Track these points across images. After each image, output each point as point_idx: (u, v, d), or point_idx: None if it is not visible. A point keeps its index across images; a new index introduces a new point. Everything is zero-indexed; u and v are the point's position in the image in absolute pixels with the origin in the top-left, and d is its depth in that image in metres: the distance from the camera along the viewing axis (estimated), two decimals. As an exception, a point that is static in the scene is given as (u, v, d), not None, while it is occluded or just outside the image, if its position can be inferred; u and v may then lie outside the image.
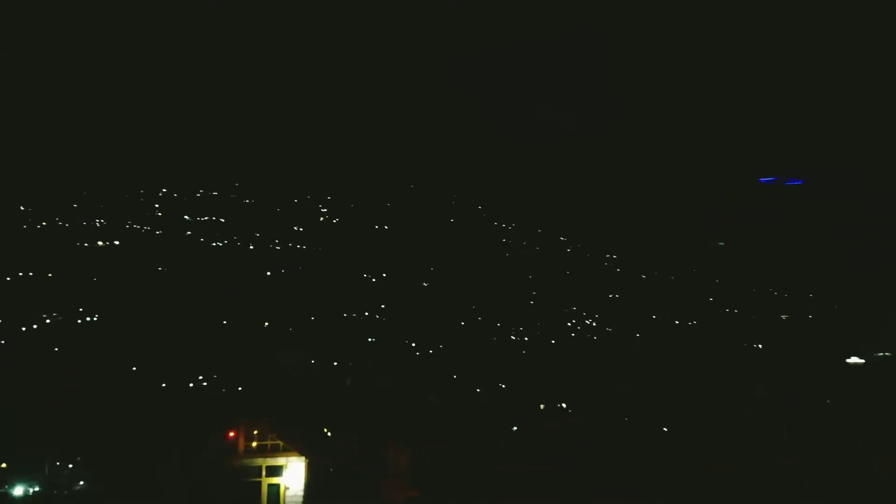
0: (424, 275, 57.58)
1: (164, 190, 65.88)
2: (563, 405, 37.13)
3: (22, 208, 55.05)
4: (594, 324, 52.82)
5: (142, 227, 57.80)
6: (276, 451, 24.42)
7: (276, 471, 24.37)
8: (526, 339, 49.26)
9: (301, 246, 60.13)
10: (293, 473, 24.14)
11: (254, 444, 24.82)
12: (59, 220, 54.93)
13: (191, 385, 38.11)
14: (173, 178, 64.78)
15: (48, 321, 40.27)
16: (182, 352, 41.10)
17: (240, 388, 37.11)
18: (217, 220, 61.98)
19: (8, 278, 43.37)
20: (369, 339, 46.68)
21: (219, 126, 72.51)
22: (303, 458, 24.16)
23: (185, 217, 61.20)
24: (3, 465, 28.01)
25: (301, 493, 23.63)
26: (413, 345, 46.55)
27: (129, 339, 41.30)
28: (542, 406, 36.72)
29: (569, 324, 52.34)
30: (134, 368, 37.91)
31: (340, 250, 59.71)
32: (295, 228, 62.73)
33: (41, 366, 34.95)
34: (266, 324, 46.55)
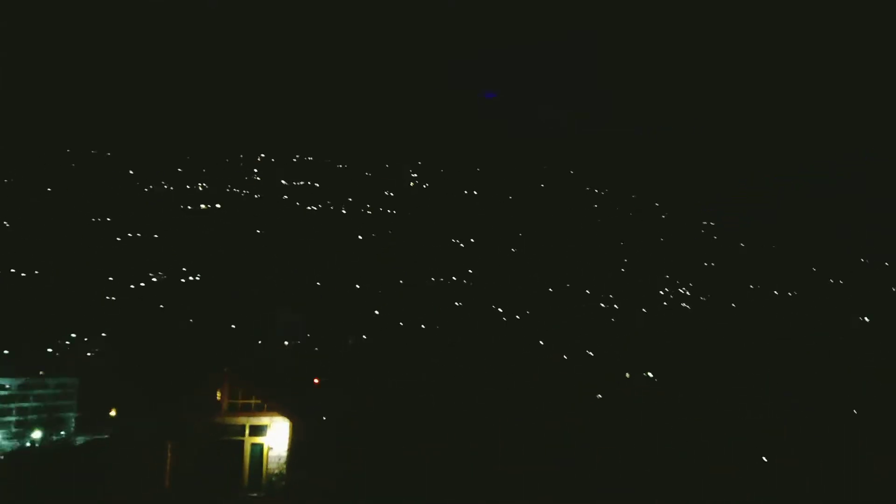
0: (513, 241, 57.48)
1: (262, 155, 67.82)
2: (650, 374, 36.57)
3: (131, 172, 57.81)
4: (687, 293, 51.50)
5: (241, 191, 59.87)
6: (260, 411, 22.73)
7: (260, 430, 22.65)
8: (615, 306, 48.57)
9: (391, 210, 61.03)
10: (277, 434, 22.46)
11: (238, 401, 23.08)
12: (164, 184, 57.47)
13: (286, 343, 39.70)
14: (271, 143, 66.64)
15: (154, 280, 42.49)
16: (273, 314, 42.78)
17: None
18: (312, 184, 63.53)
19: (118, 239, 45.87)
20: (456, 304, 47.19)
21: (314, 96, 73.92)
22: (287, 419, 22.46)
23: (282, 181, 63.00)
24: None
25: (284, 454, 22.05)
26: (500, 310, 46.75)
27: (228, 297, 43.28)
28: (627, 375, 36.29)
29: (661, 292, 51.23)
30: (233, 326, 39.73)
31: (430, 215, 60.29)
32: (386, 193, 63.65)
33: (147, 321, 37.20)
34: (357, 286, 47.70)
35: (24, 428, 31.92)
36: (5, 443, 29.57)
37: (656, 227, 62.28)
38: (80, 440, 26.95)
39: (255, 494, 20.81)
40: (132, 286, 40.95)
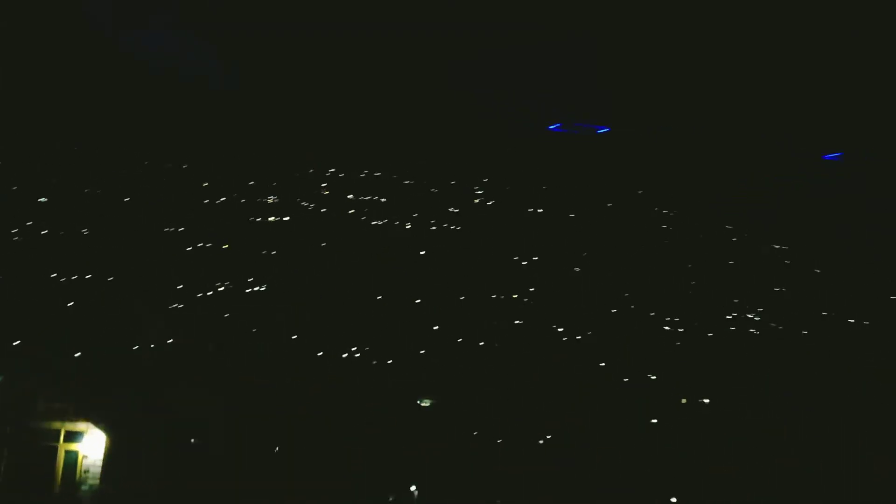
0: (577, 260, 56.87)
1: (332, 169, 69.04)
2: (706, 401, 35.62)
3: (205, 185, 59.66)
4: (757, 318, 49.93)
5: (309, 205, 61.12)
6: (77, 416, 22.09)
7: (75, 437, 22.09)
8: (680, 330, 47.45)
9: (455, 227, 61.24)
10: (93, 441, 21.92)
11: (55, 405, 22.39)
12: (236, 195, 59.10)
13: (344, 356, 40.26)
14: (339, 158, 67.89)
15: (221, 289, 43.72)
16: (338, 326, 43.44)
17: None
18: (378, 199, 64.36)
19: (188, 248, 47.35)
20: (516, 322, 46.91)
21: (384, 114, 74.83)
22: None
23: (349, 196, 64.01)
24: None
25: (99, 462, 21.64)
26: (560, 329, 46.25)
27: (292, 309, 44.21)
28: (683, 401, 35.40)
29: (728, 317, 49.81)
30: (294, 337, 40.54)
31: (493, 232, 60.24)
32: (450, 210, 63.91)
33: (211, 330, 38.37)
34: (418, 301, 47.99)
35: None
36: None
37: (727, 250, 60.76)
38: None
39: (63, 505, 18.86)
40: (199, 295, 42.27)
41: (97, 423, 21.37)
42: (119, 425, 22.20)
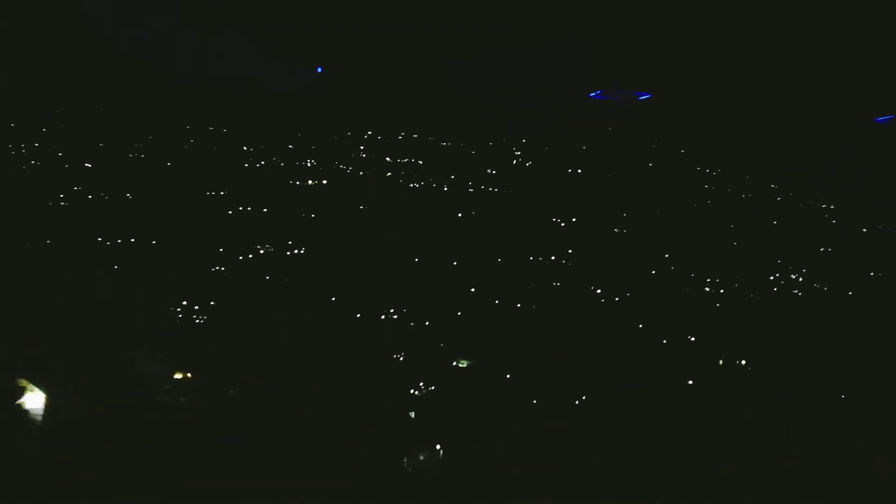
0: (617, 221, 56.25)
1: (369, 132, 69.05)
2: (744, 362, 35.20)
3: (245, 148, 60.23)
4: (800, 279, 48.99)
5: (347, 167, 61.33)
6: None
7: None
8: (721, 291, 46.84)
9: (493, 189, 60.94)
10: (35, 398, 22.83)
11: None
12: (275, 159, 59.57)
13: (382, 317, 40.71)
14: (377, 121, 67.76)
15: (262, 252, 44.40)
16: (376, 287, 43.87)
17: None
18: (416, 161, 64.24)
19: (230, 212, 48.04)
20: (554, 284, 46.80)
21: (419, 74, 74.25)
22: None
23: (387, 158, 64.01)
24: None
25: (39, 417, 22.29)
26: (598, 291, 46.02)
27: (330, 271, 44.75)
28: (720, 362, 35.08)
29: (771, 278, 48.96)
30: (333, 299, 41.10)
31: (531, 193, 59.81)
32: (488, 171, 63.53)
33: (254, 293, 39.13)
34: (455, 263, 48.13)
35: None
36: None
37: (770, 209, 59.46)
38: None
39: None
40: (240, 257, 43.00)
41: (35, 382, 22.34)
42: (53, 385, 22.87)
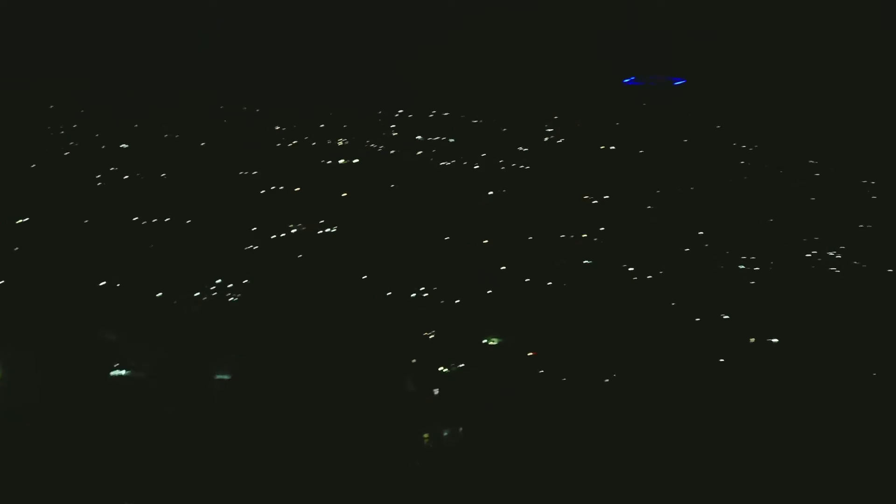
0: (649, 198, 55.59)
1: (400, 111, 68.98)
2: (776, 340, 34.69)
3: (277, 128, 60.65)
4: (839, 256, 48.01)
5: (378, 146, 61.43)
6: None
7: None
8: (756, 269, 46.11)
9: (524, 166, 60.59)
10: None
11: None
12: (307, 139, 59.88)
13: (413, 295, 40.92)
14: (408, 100, 67.63)
15: (294, 231, 44.81)
16: (408, 266, 44.05)
17: None
18: (446, 139, 64.10)
19: (262, 191, 48.50)
20: (585, 262, 46.51)
21: (447, 55, 73.74)
22: None
23: (418, 137, 63.95)
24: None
25: None
26: (631, 269, 45.64)
27: (363, 250, 45.04)
28: (752, 340, 34.63)
29: (808, 255, 48.05)
30: (364, 277, 41.37)
31: (564, 171, 59.34)
32: (520, 149, 63.14)
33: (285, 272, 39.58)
34: (486, 241, 48.09)
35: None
36: None
37: (808, 184, 58.25)
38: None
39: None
40: (273, 236, 43.44)
41: None
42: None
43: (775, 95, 68.43)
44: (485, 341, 37.64)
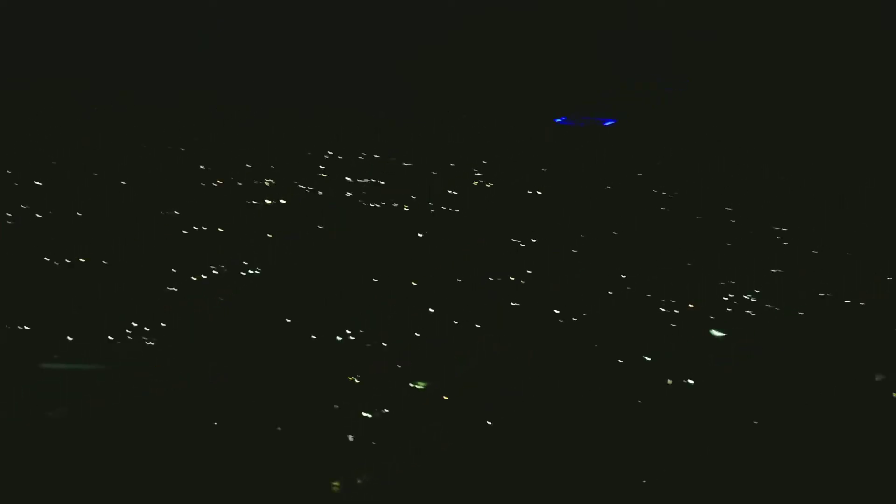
0: (574, 241, 56.68)
1: (329, 152, 68.86)
2: (692, 382, 35.63)
3: (202, 167, 59.62)
4: (753, 299, 49.74)
5: (306, 187, 60.99)
6: None
7: None
8: (676, 311, 47.33)
9: (454, 209, 61.07)
10: None
11: None
12: (233, 178, 59.04)
13: (339, 339, 40.31)
14: (337, 141, 67.62)
15: (215, 272, 43.78)
16: (333, 309, 43.50)
17: None
18: (376, 181, 64.16)
19: (184, 232, 47.36)
20: (512, 304, 46.85)
21: (382, 95, 74.37)
22: None
23: (347, 178, 63.82)
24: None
25: None
26: (556, 311, 46.17)
27: (287, 292, 44.26)
28: (669, 381, 35.45)
29: (725, 298, 49.63)
30: (288, 321, 40.61)
31: (492, 214, 60.05)
32: (449, 192, 63.70)
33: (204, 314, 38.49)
34: (414, 283, 47.99)
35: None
36: None
37: (725, 230, 60.47)
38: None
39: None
40: (193, 278, 42.31)
41: None
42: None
43: (696, 143, 71.07)
44: (412, 385, 37.32)
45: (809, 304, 47.59)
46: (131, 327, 35.50)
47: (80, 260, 40.63)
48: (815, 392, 33.30)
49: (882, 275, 50.05)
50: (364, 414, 29.04)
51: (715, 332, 34.80)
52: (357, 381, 32.99)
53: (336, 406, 28.55)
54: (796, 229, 58.59)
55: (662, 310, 47.47)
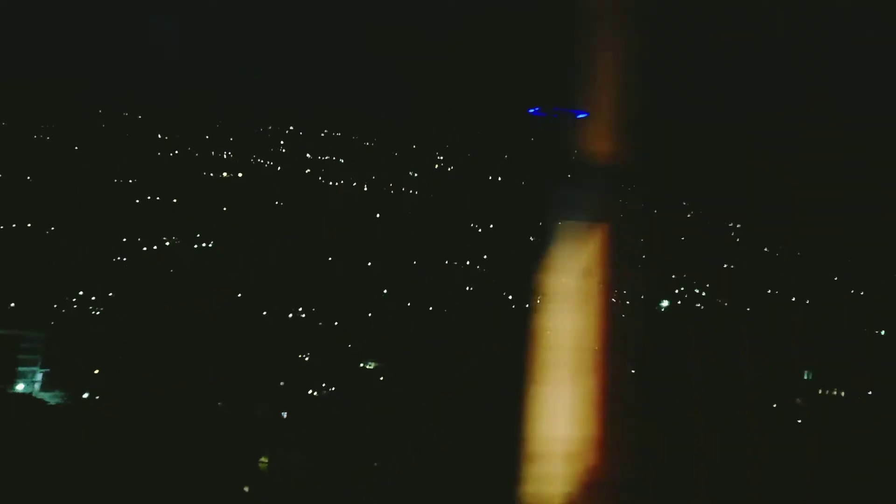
0: (533, 229, 56.98)
1: (290, 128, 67.98)
2: (643, 370, 36.06)
3: (159, 136, 58.45)
4: (703, 294, 50.68)
5: (265, 162, 60.24)
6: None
7: None
8: (627, 302, 47.95)
9: (413, 191, 60.89)
10: None
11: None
12: (190, 149, 58.01)
13: (290, 315, 39.97)
14: (300, 117, 66.84)
15: (167, 244, 43.02)
16: (286, 285, 43.08)
17: None
18: (337, 160, 63.62)
19: (137, 201, 46.44)
20: (468, 288, 47.02)
21: (345, 74, 73.72)
22: None
23: (307, 155, 63.16)
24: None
25: None
26: (510, 297, 46.48)
27: (239, 266, 43.69)
28: (632, 371, 35.80)
29: (676, 291, 50.46)
30: (239, 295, 40.09)
31: (452, 198, 60.03)
32: (410, 174, 63.45)
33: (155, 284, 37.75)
34: (370, 264, 47.82)
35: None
36: None
37: (679, 224, 61.33)
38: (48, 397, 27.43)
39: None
40: (144, 248, 41.56)
41: None
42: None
43: (649, 133, 71.53)
44: (362, 364, 37.21)
45: (758, 301, 48.43)
46: (77, 296, 34.74)
47: (28, 226, 39.65)
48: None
49: (830, 275, 51.18)
50: (311, 392, 28.87)
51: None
52: (307, 359, 32.75)
53: (282, 383, 28.30)
54: (750, 226, 59.54)
55: (614, 300, 48.06)
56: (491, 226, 56.77)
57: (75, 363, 28.14)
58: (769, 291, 50.98)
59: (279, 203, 53.59)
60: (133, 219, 45.05)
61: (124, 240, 41.25)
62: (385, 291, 44.55)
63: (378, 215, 55.56)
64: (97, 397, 25.52)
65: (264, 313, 38.93)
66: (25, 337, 28.59)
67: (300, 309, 40.32)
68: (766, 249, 58.69)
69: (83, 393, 25.87)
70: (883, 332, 45.46)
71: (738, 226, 61.77)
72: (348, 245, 49.18)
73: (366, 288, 45.42)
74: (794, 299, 49.77)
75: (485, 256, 52.08)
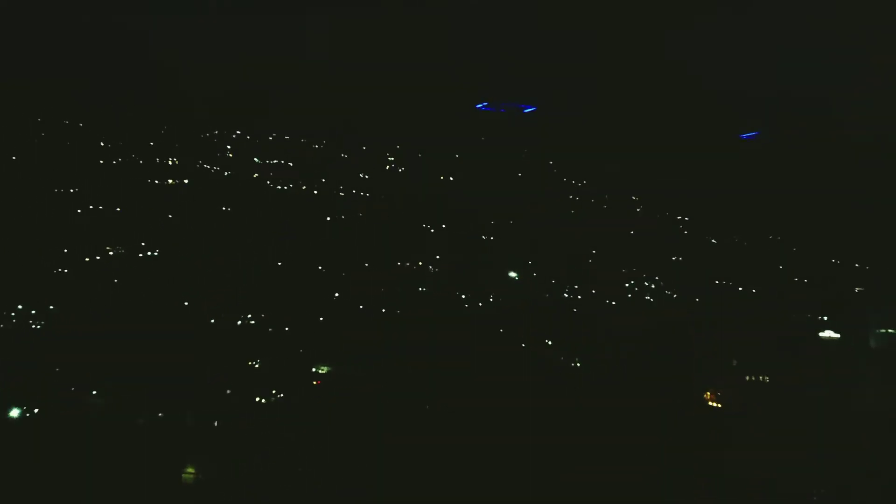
0: (484, 229, 57.13)
1: (237, 132, 67.14)
2: (591, 362, 36.50)
3: (102, 144, 57.15)
4: (653, 286, 51.33)
5: (212, 168, 59.25)
6: None
7: None
8: (579, 297, 48.35)
9: (365, 193, 60.53)
10: None
11: None
12: (134, 156, 56.83)
13: (238, 323, 39.30)
14: (247, 121, 65.94)
15: (111, 253, 42.00)
16: (235, 291, 42.37)
17: None
18: (285, 163, 62.91)
19: (79, 210, 45.31)
20: (420, 289, 46.85)
21: (293, 79, 72.90)
22: None
23: (255, 159, 62.35)
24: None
25: None
26: (463, 297, 46.45)
27: (186, 274, 42.82)
28: (577, 363, 36.23)
29: (626, 285, 51.04)
30: (186, 304, 39.29)
31: (404, 199, 59.82)
32: (361, 175, 63.09)
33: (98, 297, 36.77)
34: (321, 268, 47.30)
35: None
36: None
37: (630, 219, 62.12)
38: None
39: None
40: (87, 259, 40.47)
41: None
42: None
43: (602, 132, 72.36)
44: (314, 369, 36.81)
45: (705, 292, 49.26)
46: (16, 310, 33.72)
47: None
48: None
49: (774, 265, 52.27)
50: (259, 399, 28.45)
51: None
52: (256, 366, 32.30)
53: (228, 391, 27.85)
54: (698, 219, 60.59)
55: (566, 295, 48.46)
56: (443, 226, 56.74)
57: (10, 377, 27.34)
58: (717, 282, 52.07)
59: (226, 209, 52.77)
60: (74, 229, 43.90)
61: (65, 251, 40.16)
62: (336, 295, 44.21)
63: (328, 218, 55.12)
64: (27, 414, 24.78)
65: (212, 321, 38.27)
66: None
67: (249, 316, 39.74)
68: (713, 241, 59.93)
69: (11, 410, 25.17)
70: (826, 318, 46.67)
71: (687, 218, 62.97)
72: (298, 249, 48.67)
73: (317, 291, 45.00)
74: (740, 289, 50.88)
75: (437, 256, 52.01)
